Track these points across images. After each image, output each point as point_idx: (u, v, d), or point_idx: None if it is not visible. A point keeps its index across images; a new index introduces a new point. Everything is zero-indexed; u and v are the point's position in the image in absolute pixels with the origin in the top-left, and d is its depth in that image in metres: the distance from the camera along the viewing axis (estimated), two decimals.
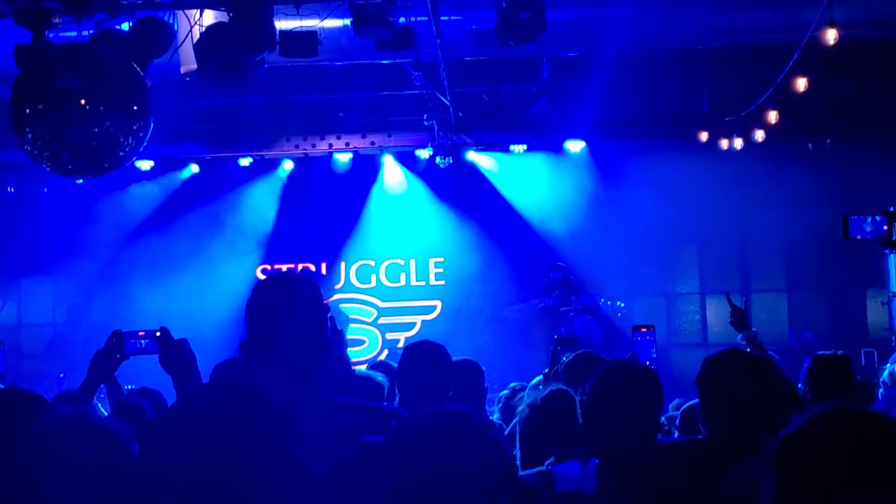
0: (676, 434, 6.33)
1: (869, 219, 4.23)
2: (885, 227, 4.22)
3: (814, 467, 1.91)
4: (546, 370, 6.05)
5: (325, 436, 2.94)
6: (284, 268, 14.62)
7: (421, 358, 5.11)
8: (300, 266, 14.61)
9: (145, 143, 7.34)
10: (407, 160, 14.18)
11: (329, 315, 3.62)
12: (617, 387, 3.91)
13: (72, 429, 2.64)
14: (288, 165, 14.25)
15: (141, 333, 4.46)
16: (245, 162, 13.91)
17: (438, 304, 14.71)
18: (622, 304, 13.05)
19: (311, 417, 2.73)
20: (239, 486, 1.82)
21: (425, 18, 8.53)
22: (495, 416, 6.66)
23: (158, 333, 4.42)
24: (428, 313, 14.74)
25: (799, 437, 1.94)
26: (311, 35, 8.39)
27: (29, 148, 7.09)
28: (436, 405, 3.40)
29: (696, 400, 4.38)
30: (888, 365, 5.94)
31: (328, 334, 3.47)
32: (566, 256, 13.74)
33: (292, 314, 3.40)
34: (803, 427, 1.95)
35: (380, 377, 5.55)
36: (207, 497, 1.80)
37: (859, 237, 4.28)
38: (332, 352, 3.49)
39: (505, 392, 6.90)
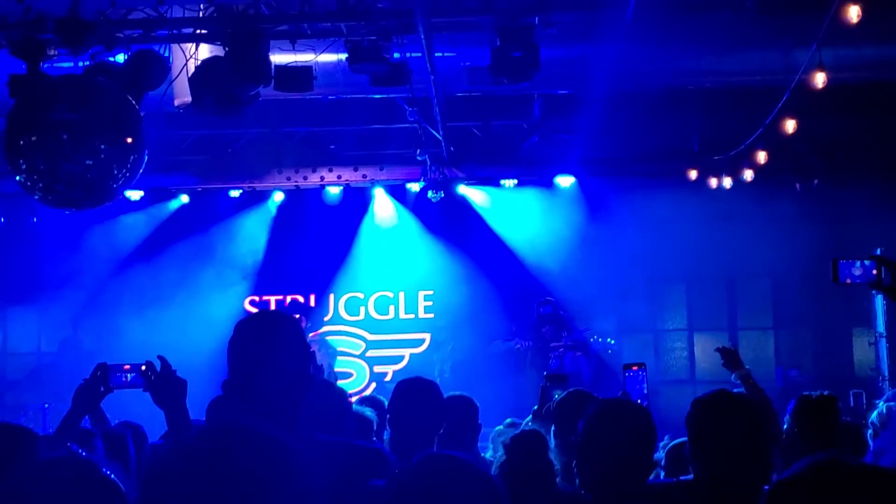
0: (662, 474, 6.35)
1: (857, 263, 4.25)
2: (875, 272, 4.23)
3: None
4: (535, 407, 6.06)
5: (313, 475, 2.95)
6: (273, 299, 14.62)
7: (412, 395, 5.10)
8: (289, 297, 14.58)
9: (138, 175, 7.37)
10: (398, 193, 14.20)
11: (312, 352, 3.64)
12: (610, 426, 3.92)
13: (66, 471, 2.63)
14: (279, 197, 14.27)
15: (126, 367, 4.48)
16: (235, 193, 13.92)
17: (427, 336, 14.70)
18: (612, 341, 13.06)
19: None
20: None
21: (419, 54, 8.59)
22: (488, 454, 6.65)
23: (144, 367, 4.44)
24: (416, 346, 14.72)
25: (794, 486, 1.96)
26: (306, 70, 8.45)
27: (22, 179, 7.11)
28: (439, 451, 3.42)
29: (683, 438, 4.40)
30: (881, 404, 5.95)
31: (311, 373, 3.49)
32: (555, 291, 13.75)
33: (274, 353, 3.41)
34: (799, 476, 1.97)
35: (368, 412, 5.55)
36: None
37: (849, 281, 4.29)
38: (316, 389, 3.50)
39: (499, 427, 6.90)
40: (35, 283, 14.22)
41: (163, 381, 4.47)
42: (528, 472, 4.21)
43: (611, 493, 3.74)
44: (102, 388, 4.51)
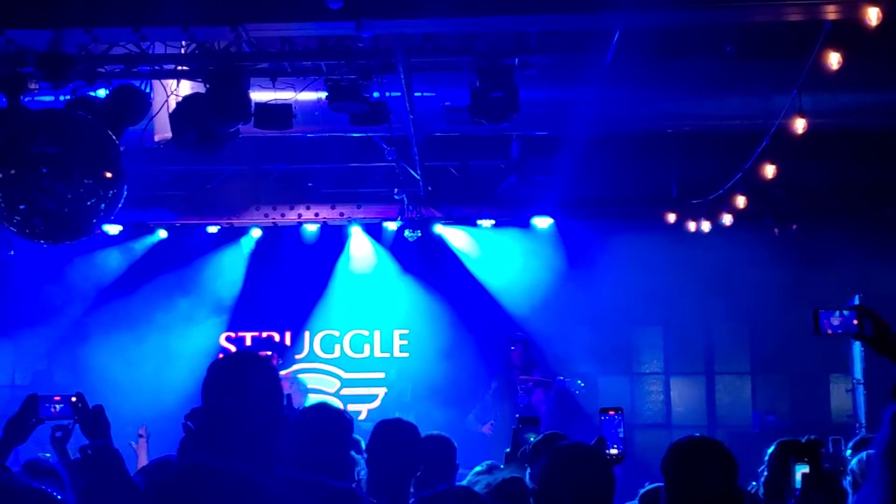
0: None
1: (837, 312, 4.25)
2: (855, 322, 4.24)
3: None
4: (507, 450, 6.05)
5: None
6: (249, 335, 14.56)
7: (391, 437, 5.10)
8: (265, 334, 14.55)
9: (117, 210, 7.34)
10: (375, 232, 14.18)
11: (286, 394, 3.63)
12: (565, 472, 3.90)
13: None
14: (256, 233, 14.23)
15: (57, 398, 4.52)
16: (213, 229, 13.89)
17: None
18: (581, 383, 12.99)
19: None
20: None
21: (399, 94, 8.62)
22: None
23: (74, 398, 4.46)
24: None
25: None
26: (286, 108, 8.47)
27: None
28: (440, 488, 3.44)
29: (659, 483, 4.39)
30: (861, 455, 5.92)
31: (284, 412, 3.49)
32: (532, 332, 13.72)
33: (247, 394, 3.43)
34: None
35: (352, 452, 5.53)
36: None
37: (829, 331, 4.30)
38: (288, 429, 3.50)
39: (478, 468, 6.86)
40: (10, 315, 14.11)
41: (91, 414, 4.48)
42: None
43: None
44: (34, 420, 4.53)
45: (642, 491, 6.16)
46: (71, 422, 4.61)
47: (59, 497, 2.57)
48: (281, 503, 1.88)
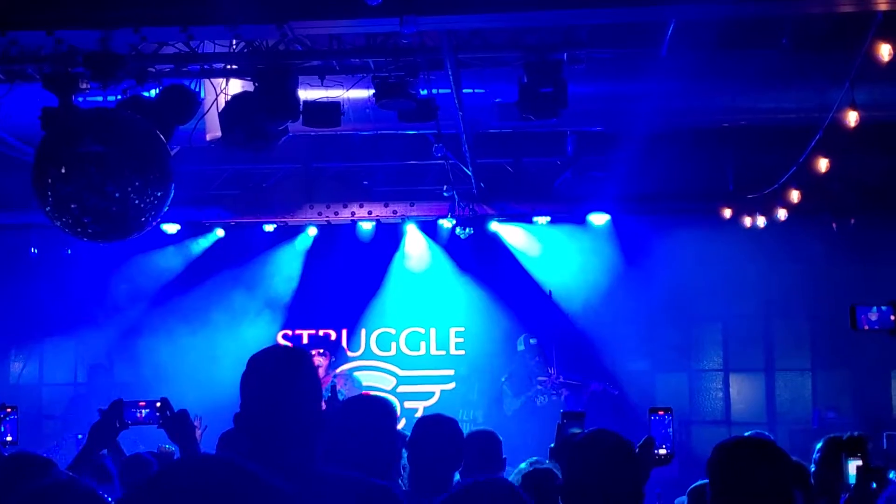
0: None
1: (875, 308, 4.18)
2: (893, 317, 4.16)
3: None
4: (552, 445, 6.01)
5: None
6: (305, 333, 14.64)
7: (431, 431, 5.10)
8: (321, 331, 14.63)
9: (165, 209, 7.39)
10: (430, 229, 14.18)
11: (332, 386, 3.61)
12: (587, 461, 3.84)
13: (60, 492, 2.63)
14: (312, 232, 14.29)
15: (142, 403, 4.54)
16: (269, 228, 13.96)
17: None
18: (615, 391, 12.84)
19: (304, 493, 2.72)
20: None
21: (448, 91, 8.60)
22: None
23: (159, 404, 4.49)
24: (447, 383, 14.67)
25: None
26: (334, 105, 8.49)
27: (49, 210, 7.16)
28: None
29: (705, 480, 4.33)
30: None
31: (323, 407, 3.47)
32: (588, 329, 13.67)
33: (286, 389, 3.41)
34: None
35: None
36: None
37: (867, 327, 4.23)
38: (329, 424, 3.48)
39: (522, 466, 6.84)
40: (71, 314, 14.31)
41: (176, 419, 4.52)
42: None
43: None
44: (118, 424, 4.57)
45: (691, 487, 6.12)
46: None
47: (110, 500, 2.60)
48: (283, 495, 1.86)
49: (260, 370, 3.49)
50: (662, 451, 4.96)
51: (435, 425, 5.18)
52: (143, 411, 4.62)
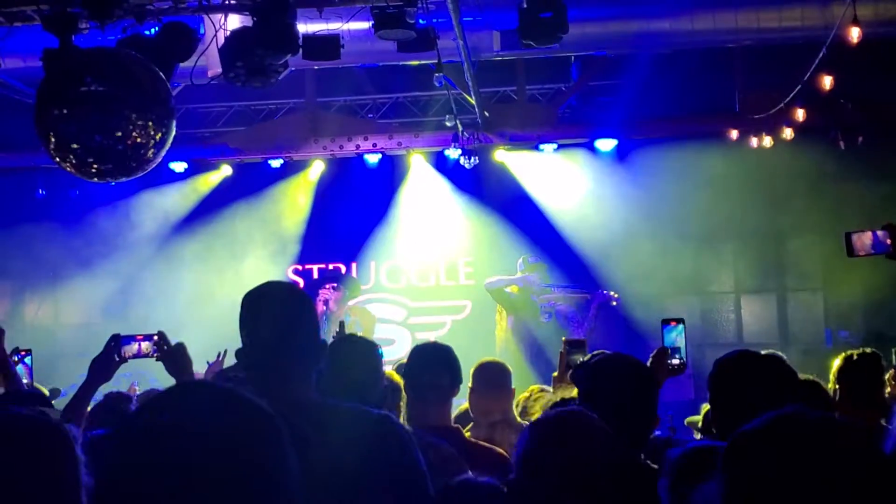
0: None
1: (870, 232, 4.16)
2: (889, 241, 4.14)
3: (760, 472, 1.88)
4: (555, 374, 6.05)
5: (317, 440, 2.95)
6: (316, 268, 14.68)
7: (426, 359, 5.13)
8: (331, 266, 14.67)
9: (167, 147, 7.40)
10: (437, 159, 14.15)
11: (341, 322, 3.63)
12: (606, 384, 3.86)
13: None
14: (318, 166, 14.28)
15: (139, 337, 4.58)
16: (276, 163, 13.96)
17: (469, 303, 14.69)
18: (615, 294, 12.61)
19: (306, 422, 2.76)
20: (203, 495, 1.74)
21: (447, 20, 8.55)
22: None
23: (156, 337, 4.53)
24: (458, 314, 14.73)
25: (750, 440, 1.91)
26: (333, 38, 8.43)
27: (53, 151, 7.17)
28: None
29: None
30: None
31: (321, 339, 3.50)
32: (598, 255, 13.66)
33: (284, 321, 3.44)
34: (757, 430, 1.91)
35: (396, 377, 5.57)
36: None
37: (862, 253, 4.21)
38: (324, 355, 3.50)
39: (525, 394, 6.89)
40: (81, 255, 14.37)
41: (174, 351, 4.57)
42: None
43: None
44: (117, 358, 4.61)
45: (705, 406, 6.15)
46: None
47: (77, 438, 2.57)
48: (274, 422, 1.86)
49: (258, 305, 3.52)
50: (675, 361, 5.01)
51: (429, 352, 5.21)
52: (141, 344, 4.67)
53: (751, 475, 1.88)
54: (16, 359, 6.39)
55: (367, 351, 4.70)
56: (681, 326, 5.17)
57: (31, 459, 2.25)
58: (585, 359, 5.45)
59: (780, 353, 4.29)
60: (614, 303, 12.23)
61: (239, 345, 3.49)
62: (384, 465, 3.33)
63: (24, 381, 6.41)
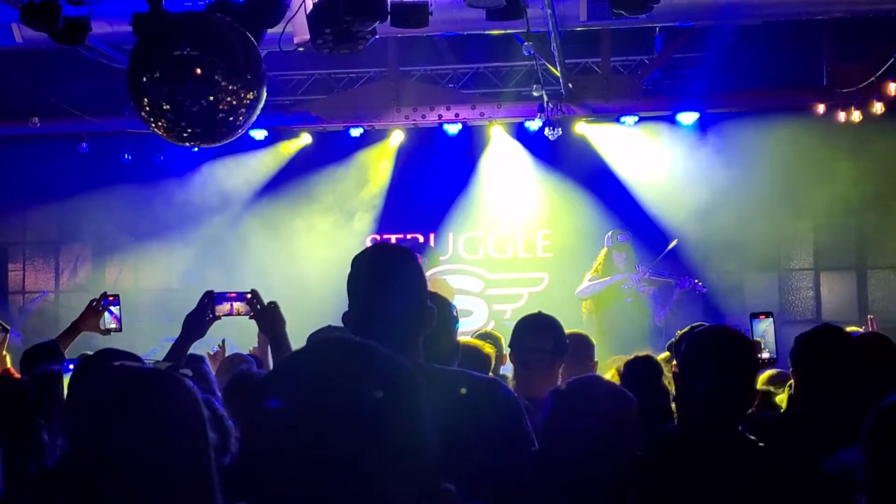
0: None
1: None
2: None
3: None
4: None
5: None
6: (394, 237, 14.72)
7: (533, 329, 5.14)
8: (409, 236, 14.68)
9: (257, 114, 7.42)
10: (517, 131, 14.07)
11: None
12: (705, 354, 3.79)
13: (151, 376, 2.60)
14: (399, 136, 14.28)
15: (232, 294, 4.58)
16: (356, 132, 13.98)
17: (546, 276, 14.64)
18: (700, 283, 12.46)
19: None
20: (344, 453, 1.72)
21: None
22: None
23: (249, 295, 4.54)
24: (535, 286, 14.69)
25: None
26: (422, 6, 8.39)
27: (145, 115, 7.22)
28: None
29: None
30: None
31: (429, 304, 3.44)
32: (677, 230, 13.52)
33: (393, 284, 3.40)
34: None
35: (487, 348, 5.58)
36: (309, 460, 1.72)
37: None
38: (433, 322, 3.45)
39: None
40: (162, 220, 14.54)
41: (267, 310, 4.58)
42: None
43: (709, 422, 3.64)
44: (210, 316, 4.61)
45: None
46: None
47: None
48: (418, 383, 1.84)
49: (367, 267, 3.48)
50: (765, 355, 5.00)
51: (536, 324, 5.22)
52: (235, 303, 4.68)
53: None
54: (103, 305, 6.40)
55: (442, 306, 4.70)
56: (769, 320, 5.17)
57: (167, 407, 2.31)
58: (684, 331, 5.44)
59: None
60: (698, 291, 12.15)
61: (314, 312, 3.45)
62: (492, 430, 3.32)
63: (112, 326, 6.44)
